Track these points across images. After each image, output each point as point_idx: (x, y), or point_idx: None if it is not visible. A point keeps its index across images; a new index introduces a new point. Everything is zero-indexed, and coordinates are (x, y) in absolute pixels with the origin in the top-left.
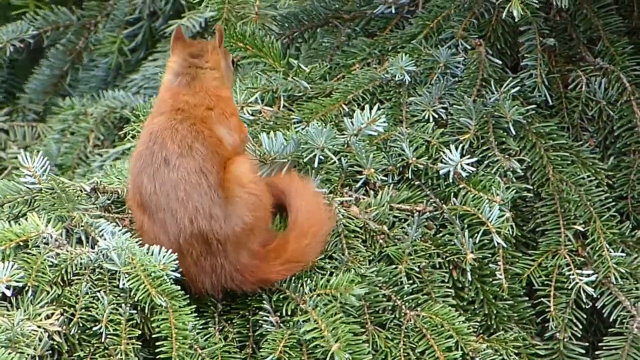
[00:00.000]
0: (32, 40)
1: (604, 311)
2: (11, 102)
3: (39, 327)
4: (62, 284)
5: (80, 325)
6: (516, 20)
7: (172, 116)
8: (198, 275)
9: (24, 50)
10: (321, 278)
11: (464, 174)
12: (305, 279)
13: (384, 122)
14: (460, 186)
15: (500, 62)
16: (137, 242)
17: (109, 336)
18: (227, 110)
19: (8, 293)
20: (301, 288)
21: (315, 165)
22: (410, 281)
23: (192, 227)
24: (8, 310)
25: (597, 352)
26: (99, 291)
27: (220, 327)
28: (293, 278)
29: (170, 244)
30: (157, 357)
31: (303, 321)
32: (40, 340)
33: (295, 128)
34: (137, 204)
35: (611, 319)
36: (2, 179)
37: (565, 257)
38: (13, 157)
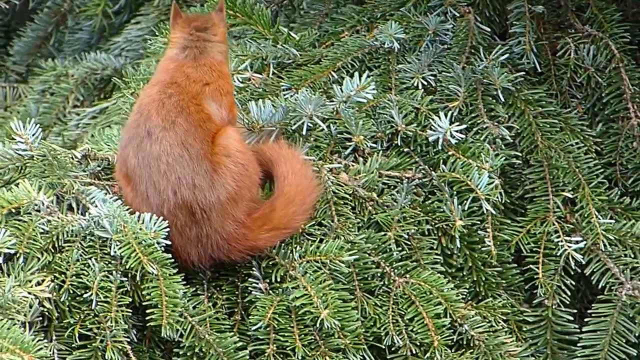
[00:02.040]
0: (18, 2)
1: (592, 278)
2: None
3: (29, 293)
4: (53, 251)
5: (71, 292)
6: None
7: (164, 89)
8: (184, 246)
9: (9, 12)
10: (310, 245)
11: (453, 141)
12: (295, 245)
13: (373, 89)
14: (450, 153)
15: (489, 30)
16: (127, 210)
17: (99, 303)
18: (224, 88)
19: None
20: (290, 254)
21: (304, 132)
22: (399, 248)
23: (176, 197)
24: None
25: (585, 320)
26: (89, 258)
27: (209, 294)
28: (282, 244)
29: (152, 214)
30: (147, 324)
31: (292, 288)
32: (30, 306)
33: (284, 95)
34: (123, 176)
35: (600, 286)
36: None
37: (553, 224)
38: None
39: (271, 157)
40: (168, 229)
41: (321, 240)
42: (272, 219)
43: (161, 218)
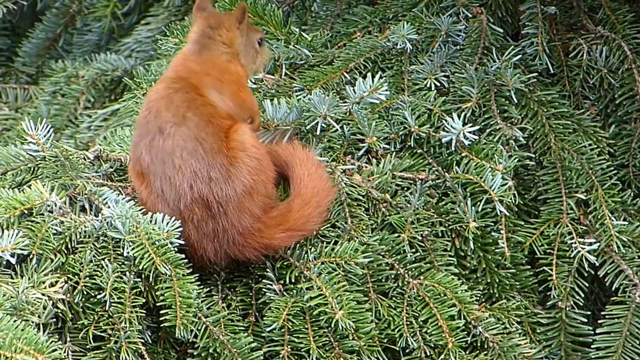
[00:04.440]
0: (26, 3)
1: (606, 280)
2: (6, 65)
3: (43, 294)
4: (66, 252)
5: (85, 293)
6: None
7: (170, 84)
8: (200, 241)
9: (17, 13)
10: (325, 246)
11: (466, 142)
12: (309, 247)
13: (386, 90)
14: (463, 154)
15: (501, 31)
16: (140, 210)
17: (113, 304)
18: (224, 77)
19: (12, 261)
20: (305, 255)
21: (318, 132)
22: (413, 250)
23: (192, 192)
24: (12, 278)
25: (599, 321)
26: (103, 259)
27: (224, 295)
28: (297, 246)
29: (170, 212)
30: (161, 325)
31: (307, 289)
32: (44, 308)
33: (297, 96)
34: (136, 175)
35: (613, 288)
36: None
37: (567, 226)
38: (4, 119)
39: (286, 159)
40: (182, 227)
41: (335, 242)
42: (288, 219)
43: (177, 214)
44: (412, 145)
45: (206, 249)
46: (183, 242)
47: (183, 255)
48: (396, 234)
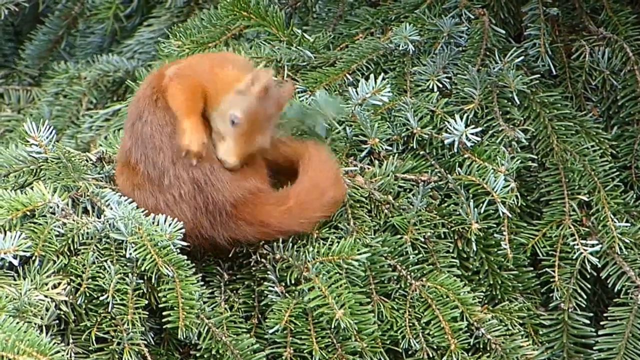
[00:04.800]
0: (28, 5)
1: (608, 281)
2: (9, 66)
3: (45, 296)
4: (68, 253)
5: (87, 294)
6: None
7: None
8: (194, 217)
9: (19, 15)
10: (323, 246)
11: (468, 144)
12: (308, 246)
13: (389, 91)
14: (465, 156)
15: (503, 32)
16: (142, 211)
17: (115, 306)
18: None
19: (15, 263)
20: (304, 256)
21: (324, 135)
22: (416, 251)
23: (175, 167)
24: (15, 279)
25: (601, 323)
26: (105, 261)
27: (226, 297)
28: (295, 245)
29: (157, 189)
30: (164, 326)
31: (307, 289)
32: (47, 309)
33: (299, 98)
34: (122, 163)
35: (615, 290)
36: None
37: (569, 227)
38: (6, 120)
39: (297, 154)
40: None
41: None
42: (287, 201)
43: (162, 192)
44: (415, 147)
45: (203, 225)
46: (185, 244)
47: (185, 257)
48: (399, 236)
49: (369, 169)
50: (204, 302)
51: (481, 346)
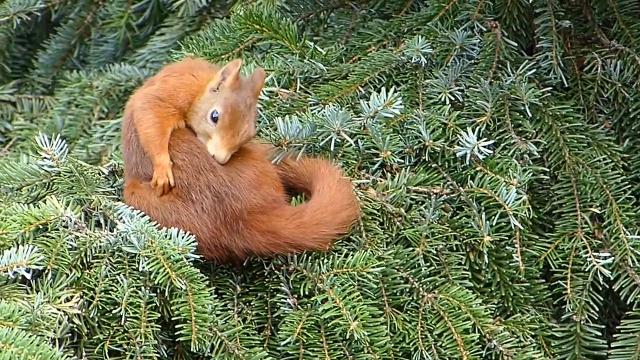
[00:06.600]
0: (40, 14)
1: (620, 294)
2: (22, 75)
3: (58, 310)
4: (81, 267)
5: (100, 308)
6: (531, 2)
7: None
8: (214, 227)
9: (32, 24)
10: (337, 258)
11: (480, 157)
12: (322, 258)
13: (401, 104)
14: (477, 169)
15: (516, 44)
16: (155, 225)
17: (128, 319)
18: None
19: (28, 276)
20: (318, 267)
21: (332, 148)
22: (428, 263)
23: (198, 181)
24: (28, 293)
25: (614, 335)
26: (118, 274)
27: (239, 310)
28: (309, 257)
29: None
30: (177, 339)
31: (321, 301)
32: (60, 323)
33: (311, 110)
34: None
35: (628, 302)
36: (7, 150)
37: (581, 240)
38: (19, 129)
39: (310, 172)
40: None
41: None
42: (302, 216)
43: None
44: (427, 160)
45: (222, 233)
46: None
47: (198, 270)
48: (411, 248)
49: (381, 181)
50: (217, 315)
51: (493, 358)
